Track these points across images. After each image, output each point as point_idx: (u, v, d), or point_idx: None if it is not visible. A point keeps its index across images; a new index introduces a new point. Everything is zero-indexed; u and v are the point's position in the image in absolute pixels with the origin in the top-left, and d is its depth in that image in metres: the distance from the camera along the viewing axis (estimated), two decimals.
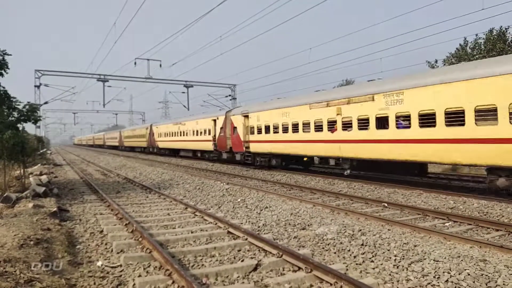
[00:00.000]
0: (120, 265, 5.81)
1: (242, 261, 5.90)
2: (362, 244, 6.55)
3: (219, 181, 16.06)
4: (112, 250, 6.60)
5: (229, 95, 44.78)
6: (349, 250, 6.35)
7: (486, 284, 4.79)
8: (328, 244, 6.74)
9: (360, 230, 7.36)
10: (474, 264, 5.33)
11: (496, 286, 4.74)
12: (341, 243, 6.73)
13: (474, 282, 4.84)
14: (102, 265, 5.84)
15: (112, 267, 5.75)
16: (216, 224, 8.21)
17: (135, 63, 35.36)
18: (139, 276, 5.31)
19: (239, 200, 11.40)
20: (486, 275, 4.99)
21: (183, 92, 42.47)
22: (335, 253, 6.35)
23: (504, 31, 26.05)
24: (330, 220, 8.35)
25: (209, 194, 12.77)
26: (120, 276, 5.42)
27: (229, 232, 7.50)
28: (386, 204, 10.48)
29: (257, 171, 21.28)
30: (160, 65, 36.35)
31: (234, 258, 6.09)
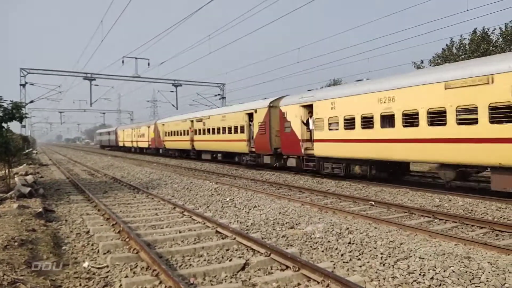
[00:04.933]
0: (107, 266, 5.75)
1: (230, 260, 5.90)
2: (349, 243, 6.60)
3: (208, 181, 16.01)
4: (98, 251, 6.52)
5: (218, 94, 44.70)
6: (336, 249, 6.40)
7: (470, 281, 4.87)
8: (316, 243, 6.78)
9: (348, 228, 7.42)
10: (459, 261, 5.42)
11: (480, 282, 4.83)
12: (328, 241, 6.78)
13: (458, 279, 4.92)
14: (88, 266, 5.78)
15: (98, 268, 5.69)
16: (204, 223, 8.19)
17: (122, 62, 35.05)
18: (126, 276, 5.27)
19: (227, 199, 11.39)
20: (470, 272, 5.07)
21: (172, 91, 42.24)
22: (322, 251, 6.39)
23: (487, 32, 26.57)
24: (318, 218, 8.39)
25: (198, 194, 12.72)
26: (107, 277, 5.36)
27: (217, 232, 7.49)
28: (373, 203, 10.58)
29: (246, 170, 21.26)
30: (148, 64, 36.18)
31: (222, 257, 6.08)
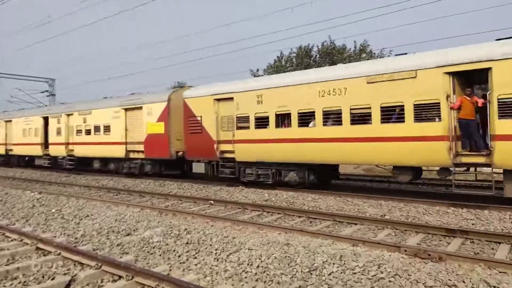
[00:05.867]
0: None
1: (53, 279, 5.25)
2: (187, 243, 6.72)
3: (29, 190, 13.87)
4: None
5: (46, 91, 39.21)
6: (174, 250, 6.42)
7: (289, 264, 5.58)
8: (154, 247, 6.66)
9: (186, 229, 7.54)
10: (280, 248, 6.15)
11: (296, 265, 5.58)
12: (167, 244, 6.75)
13: (279, 264, 5.58)
14: None
15: None
16: (21, 240, 7.05)
17: None
18: None
19: (53, 210, 10.10)
20: (289, 257, 5.82)
21: None
22: (160, 255, 6.32)
23: (310, 48, 31.06)
24: (157, 222, 8.27)
25: (15, 207, 10.87)
26: None
27: (38, 248, 6.56)
28: (212, 202, 11.05)
29: (78, 177, 19.23)
30: None
31: (43, 277, 5.36)
